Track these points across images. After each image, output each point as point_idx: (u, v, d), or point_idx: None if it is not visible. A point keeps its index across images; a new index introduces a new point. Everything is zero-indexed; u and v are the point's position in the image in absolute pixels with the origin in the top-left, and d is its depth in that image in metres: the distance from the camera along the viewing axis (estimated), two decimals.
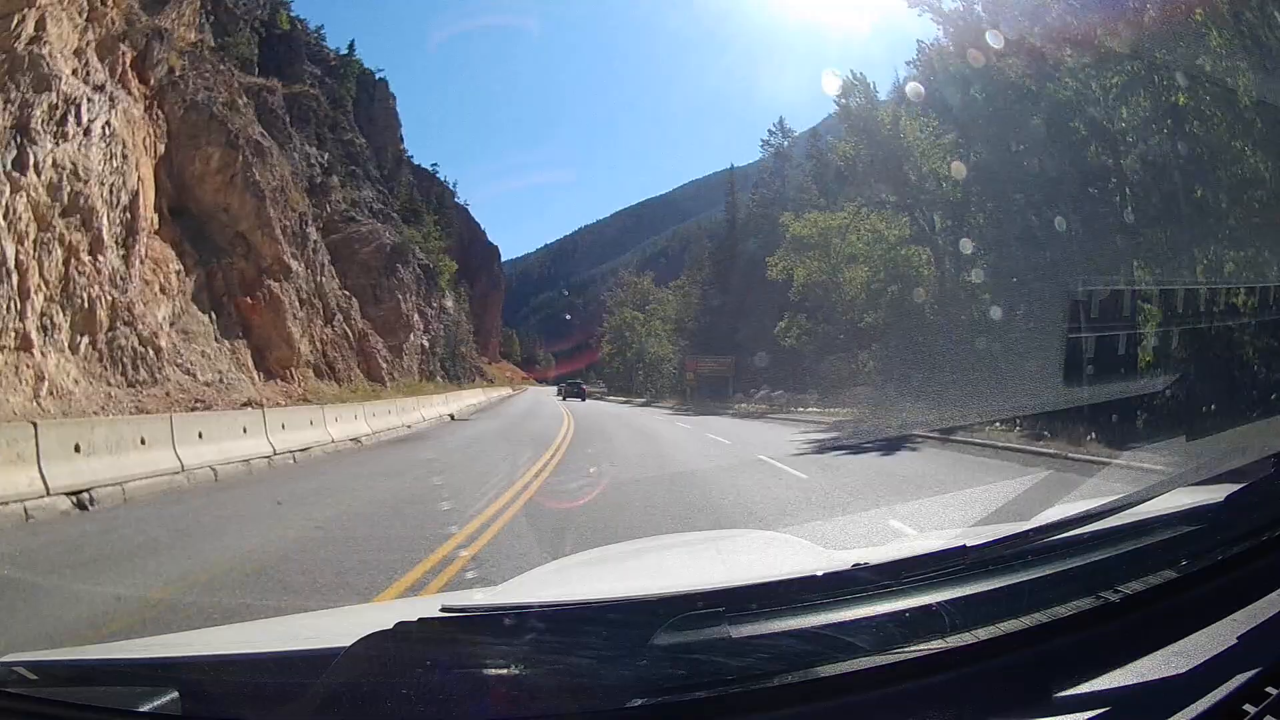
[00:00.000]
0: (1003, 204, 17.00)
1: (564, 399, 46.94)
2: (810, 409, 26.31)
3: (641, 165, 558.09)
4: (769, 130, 46.46)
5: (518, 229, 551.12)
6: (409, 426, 17.50)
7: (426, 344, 42.08)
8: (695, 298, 53.16)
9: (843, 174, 25.47)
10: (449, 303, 54.62)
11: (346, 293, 30.28)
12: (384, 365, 30.94)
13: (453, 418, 22.98)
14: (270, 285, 21.42)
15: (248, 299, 20.59)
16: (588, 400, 48.48)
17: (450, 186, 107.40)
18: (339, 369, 25.33)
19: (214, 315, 19.12)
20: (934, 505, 6.69)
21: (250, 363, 19.73)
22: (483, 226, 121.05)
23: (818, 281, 24.64)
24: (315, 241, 26.35)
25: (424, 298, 43.80)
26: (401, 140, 67.38)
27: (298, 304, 22.99)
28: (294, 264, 23.16)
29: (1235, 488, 1.38)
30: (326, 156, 37.34)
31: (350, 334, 27.80)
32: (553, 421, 21.68)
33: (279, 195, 22.88)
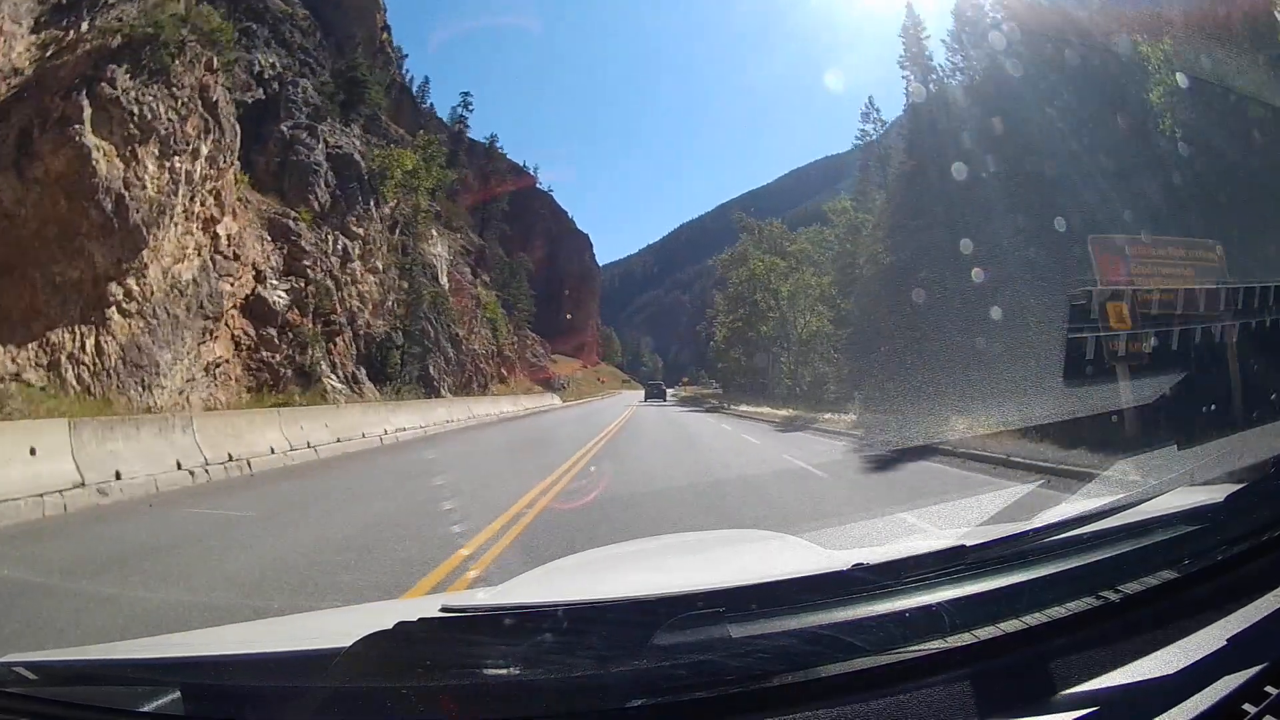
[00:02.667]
0: None
1: (645, 400, 51.07)
2: None
3: (741, 158, 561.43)
4: None
5: (618, 232, 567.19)
6: None
7: (283, 298, 18.81)
8: (880, 216, 29.17)
9: None
10: (438, 249, 32.26)
11: None
12: None
13: None
14: None
15: None
16: (666, 402, 51.39)
17: (529, 170, 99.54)
18: None
19: None
20: None
21: None
22: (570, 214, 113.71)
23: None
24: None
25: (338, 211, 24.20)
26: (386, 30, 57.55)
27: None
28: None
29: (1235, 488, 1.38)
30: None
31: None
32: None
33: None
